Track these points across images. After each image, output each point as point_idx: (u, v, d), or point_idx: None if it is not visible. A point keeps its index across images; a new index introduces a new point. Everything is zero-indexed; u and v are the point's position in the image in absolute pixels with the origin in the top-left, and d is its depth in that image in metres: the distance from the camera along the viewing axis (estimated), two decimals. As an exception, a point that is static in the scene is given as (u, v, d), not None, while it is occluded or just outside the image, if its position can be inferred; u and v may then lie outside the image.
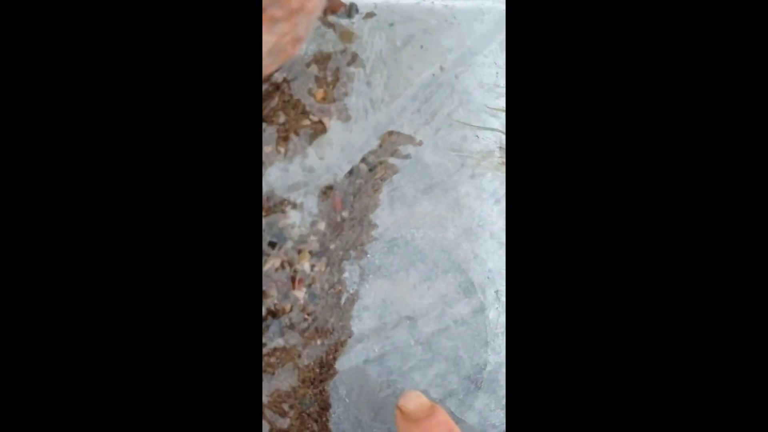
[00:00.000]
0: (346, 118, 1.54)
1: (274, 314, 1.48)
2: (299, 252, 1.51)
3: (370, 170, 1.54)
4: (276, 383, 1.46)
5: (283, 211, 1.49)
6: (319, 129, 1.51)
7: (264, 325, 1.46)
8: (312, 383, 1.49)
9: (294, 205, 1.49)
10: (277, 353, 1.47)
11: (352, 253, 1.55)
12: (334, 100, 1.50)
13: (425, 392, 1.52)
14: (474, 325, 1.55)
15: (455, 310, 1.52)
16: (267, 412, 1.47)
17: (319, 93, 1.53)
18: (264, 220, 1.47)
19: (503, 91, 1.60)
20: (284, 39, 0.82)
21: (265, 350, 1.46)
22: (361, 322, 1.54)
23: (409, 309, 1.52)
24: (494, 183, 1.58)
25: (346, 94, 1.52)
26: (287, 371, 1.46)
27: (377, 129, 1.54)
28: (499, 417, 1.52)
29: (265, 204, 1.47)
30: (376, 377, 1.51)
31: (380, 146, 1.54)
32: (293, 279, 1.49)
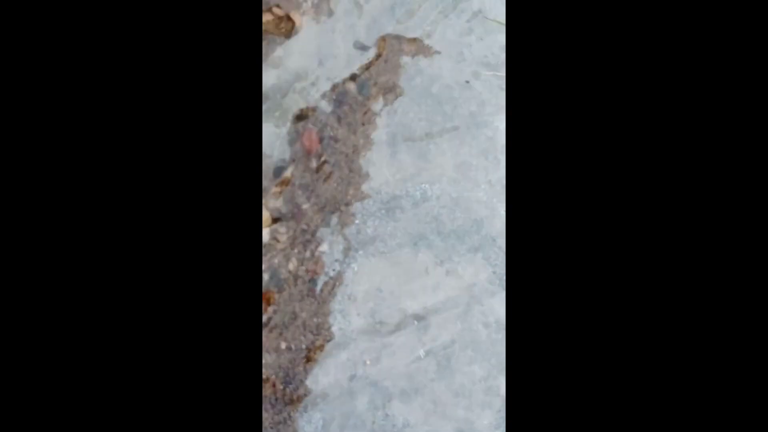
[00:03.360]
0: (327, 13, 1.10)
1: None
2: (255, 213, 1.10)
3: (361, 92, 1.12)
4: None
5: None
6: (287, 29, 1.10)
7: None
8: (273, 406, 1.09)
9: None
10: (222, 361, 1.06)
11: (333, 216, 1.12)
12: (307, -14, 1.07)
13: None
14: None
15: (488, 309, 1.17)
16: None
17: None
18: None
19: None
20: None
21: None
22: (346, 319, 1.15)
23: (418, 304, 1.15)
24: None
25: (325, -24, 1.08)
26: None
27: (371, 30, 1.11)
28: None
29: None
30: (368, 404, 1.13)
31: (376, 56, 1.11)
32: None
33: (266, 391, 1.09)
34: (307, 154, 1.10)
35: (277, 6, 1.06)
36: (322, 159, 1.10)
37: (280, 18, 1.07)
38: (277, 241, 1.09)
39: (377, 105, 1.12)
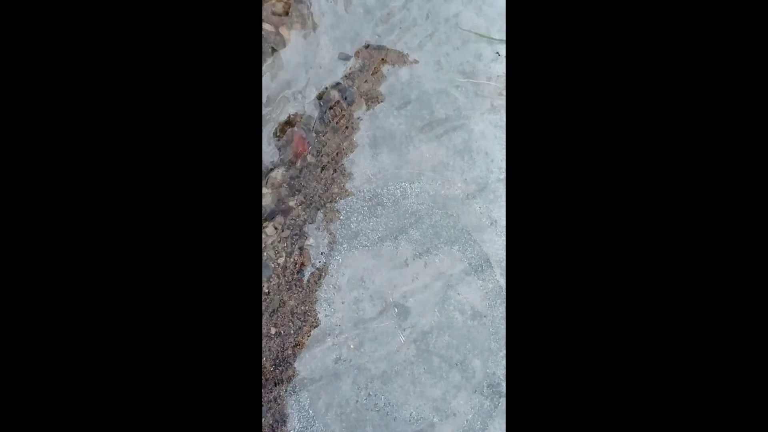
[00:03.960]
0: (312, 27, 1.17)
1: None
2: (248, 210, 1.17)
3: (345, 99, 1.19)
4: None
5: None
6: (276, 42, 1.17)
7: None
8: (264, 386, 1.16)
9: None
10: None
11: (319, 212, 1.20)
12: (295, 1, 1.13)
13: (421, 410, 1.13)
14: (490, 318, 1.16)
15: (464, 297, 1.21)
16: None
17: (275, -8, 1.17)
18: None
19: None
20: None
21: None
22: (331, 307, 1.21)
23: (398, 293, 1.20)
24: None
25: (311, -7, 1.15)
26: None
27: (353, 42, 1.18)
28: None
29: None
30: (352, 384, 1.19)
31: (359, 66, 1.18)
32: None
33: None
34: (296, 156, 1.17)
35: (266, 22, 1.14)
36: (309, 160, 1.18)
37: (269, 33, 1.15)
38: (267, 235, 1.16)
39: (360, 110, 1.19)
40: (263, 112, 1.17)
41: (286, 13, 1.06)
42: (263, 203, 1.15)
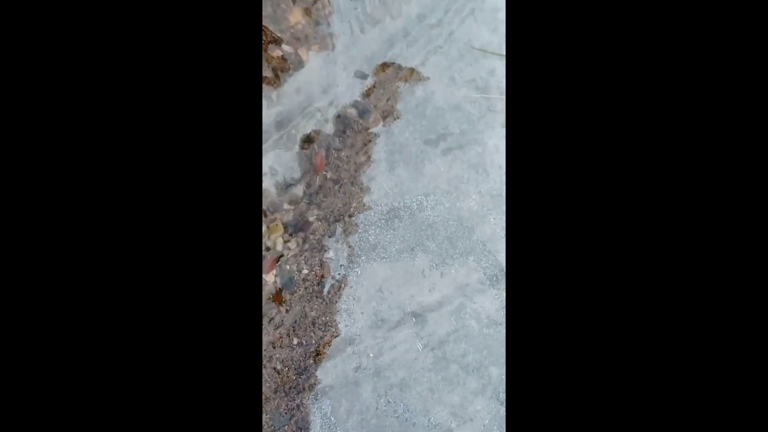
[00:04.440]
0: (330, 47, 1.21)
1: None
2: (269, 225, 1.21)
3: (362, 116, 1.23)
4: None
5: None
6: (295, 63, 1.21)
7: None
8: (287, 394, 1.20)
9: (263, 163, 1.18)
10: (243, 354, 1.18)
11: (339, 226, 1.24)
12: (313, 24, 1.17)
13: (439, 417, 1.16)
14: (505, 326, 1.19)
15: (479, 306, 1.24)
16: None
17: (295, 14, 1.20)
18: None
19: None
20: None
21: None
22: (351, 317, 1.25)
23: (416, 303, 1.24)
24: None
25: (329, 13, 1.18)
26: (258, 378, 1.18)
27: (370, 61, 1.22)
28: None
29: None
30: (372, 392, 1.24)
31: (375, 84, 1.22)
32: (268, 261, 1.20)
33: (281, 381, 1.21)
34: (315, 172, 1.21)
35: (286, 44, 1.18)
36: (328, 176, 1.22)
37: (288, 54, 1.19)
38: (289, 249, 1.21)
39: (377, 127, 1.22)
40: (283, 130, 1.21)
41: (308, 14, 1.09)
42: (285, 218, 1.20)
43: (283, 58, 1.18)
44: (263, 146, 1.19)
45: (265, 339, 1.20)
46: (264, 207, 1.21)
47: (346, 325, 1.22)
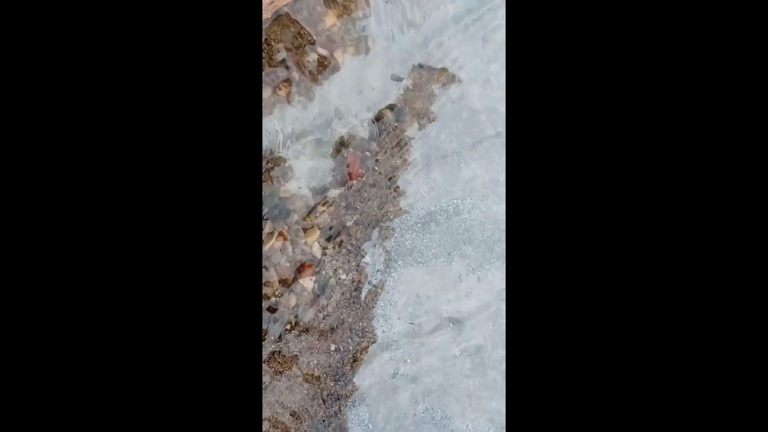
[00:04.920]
0: (365, 50, 1.21)
1: (273, 310, 1.18)
2: (306, 229, 1.20)
3: (398, 119, 1.21)
4: (278, 397, 1.16)
5: (283, 175, 1.18)
6: (330, 66, 1.20)
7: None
8: (324, 402, 1.19)
9: (297, 168, 1.17)
10: (279, 360, 1.17)
11: (375, 231, 1.23)
12: (348, 26, 1.17)
13: (477, 423, 1.15)
14: None
15: None
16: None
17: (331, 16, 1.20)
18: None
19: None
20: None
21: (265, 356, 1.16)
22: (388, 323, 1.24)
23: (453, 308, 1.22)
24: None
25: (364, 16, 1.18)
26: (293, 383, 1.17)
27: (405, 63, 1.20)
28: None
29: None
30: (409, 398, 1.23)
31: (410, 86, 1.21)
32: (301, 265, 1.19)
33: (318, 388, 1.20)
34: (351, 176, 1.20)
35: (321, 46, 1.17)
36: (364, 180, 1.21)
37: (324, 57, 1.18)
38: (327, 254, 1.20)
39: (412, 130, 1.21)
40: (318, 135, 1.20)
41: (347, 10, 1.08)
42: (321, 223, 1.19)
43: (319, 61, 1.18)
44: (302, 149, 1.18)
45: (300, 345, 1.19)
46: (300, 211, 1.20)
47: (383, 331, 1.21)
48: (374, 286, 1.21)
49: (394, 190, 1.21)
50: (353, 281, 1.21)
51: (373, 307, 1.21)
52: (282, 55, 1.16)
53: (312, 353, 1.20)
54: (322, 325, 1.20)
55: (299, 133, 1.19)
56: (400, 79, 1.20)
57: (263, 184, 1.17)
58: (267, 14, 1.11)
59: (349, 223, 1.21)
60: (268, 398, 1.17)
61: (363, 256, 1.21)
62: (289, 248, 1.18)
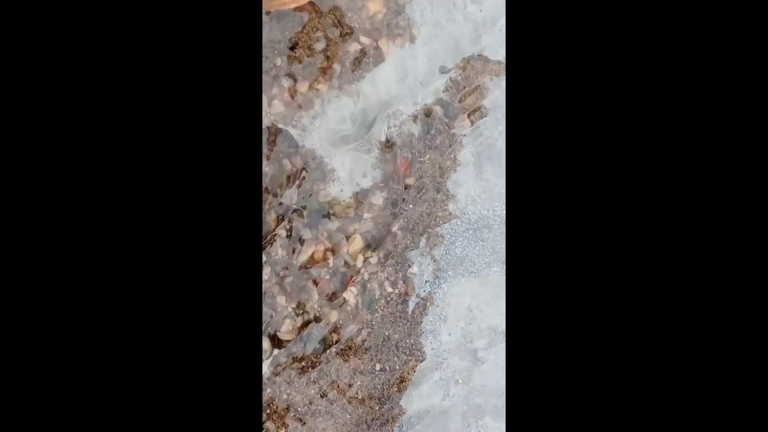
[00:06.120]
0: (411, 39, 1.10)
1: (314, 321, 1.07)
2: (348, 237, 1.09)
3: (447, 115, 1.11)
4: (318, 423, 1.05)
5: (322, 177, 1.08)
6: (374, 57, 1.10)
7: (298, 338, 1.06)
8: (369, 426, 1.09)
9: (338, 168, 1.07)
10: (320, 381, 1.07)
11: (422, 238, 1.13)
12: (393, 14, 1.07)
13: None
14: None
15: None
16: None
17: (375, 3, 1.09)
18: (295, 191, 1.06)
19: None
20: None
21: (299, 375, 1.06)
22: (438, 340, 1.14)
23: None
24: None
25: (409, 1, 1.08)
26: (335, 407, 1.06)
27: (454, 54, 1.09)
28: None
29: (296, 167, 1.07)
30: (461, 422, 1.13)
31: (460, 79, 1.11)
32: (347, 278, 1.08)
33: (363, 411, 1.10)
34: (397, 178, 1.10)
35: (364, 35, 1.08)
36: (410, 182, 1.11)
37: (367, 47, 1.09)
38: (371, 264, 1.10)
39: (462, 126, 1.12)
40: (360, 132, 1.10)
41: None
42: (364, 229, 1.09)
43: (362, 51, 1.08)
44: (343, 148, 1.08)
45: (347, 365, 1.08)
46: (341, 217, 1.09)
47: (432, 348, 1.12)
48: (422, 298, 1.12)
49: (444, 194, 1.11)
50: (400, 294, 1.11)
51: (421, 322, 1.11)
52: (321, 44, 1.06)
53: (356, 374, 1.10)
54: (366, 343, 1.10)
55: (339, 131, 1.09)
56: (448, 71, 1.11)
57: (298, 189, 1.07)
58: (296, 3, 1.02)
59: (394, 229, 1.11)
60: (309, 423, 1.06)
61: (409, 266, 1.11)
62: (330, 258, 1.08)
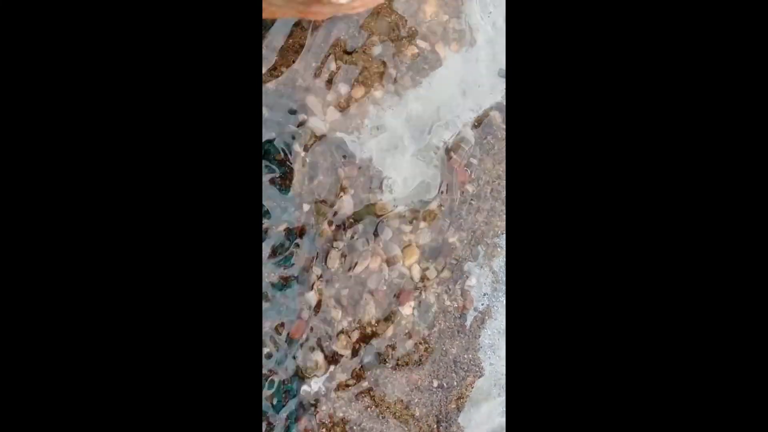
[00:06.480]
0: (470, 43, 1.07)
1: (370, 337, 1.03)
2: (405, 247, 1.05)
3: (506, 120, 1.08)
4: (371, 443, 1.01)
5: (377, 186, 1.04)
6: (431, 61, 1.07)
7: (353, 353, 1.02)
8: None
9: (394, 177, 1.03)
10: (373, 397, 1.03)
11: (480, 248, 1.09)
12: (451, 16, 1.03)
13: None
14: None
15: None
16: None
17: (431, 4, 1.06)
18: (351, 200, 1.03)
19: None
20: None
21: (354, 391, 1.02)
22: (497, 355, 1.10)
23: None
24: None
25: (462, 3, 1.04)
26: (390, 425, 1.02)
27: None
28: None
29: (351, 174, 1.03)
30: None
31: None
32: (403, 290, 1.03)
33: (419, 430, 1.05)
34: (454, 186, 1.06)
35: (421, 39, 1.04)
36: (468, 190, 1.07)
37: (424, 51, 1.05)
38: (427, 278, 1.05)
39: (521, 132, 1.08)
40: (417, 138, 1.06)
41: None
42: (421, 240, 1.05)
43: (419, 56, 1.04)
44: (399, 156, 1.04)
45: (404, 380, 1.04)
46: (394, 226, 1.06)
47: (491, 364, 1.07)
48: (480, 312, 1.07)
49: (502, 201, 1.07)
50: (458, 307, 1.07)
51: (479, 336, 1.07)
52: (378, 49, 1.03)
53: (412, 390, 1.06)
54: (423, 358, 1.06)
55: (396, 137, 1.05)
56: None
57: (348, 195, 1.03)
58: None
59: (452, 240, 1.06)
60: (363, 444, 1.02)
61: (467, 278, 1.07)
62: (385, 270, 1.04)
